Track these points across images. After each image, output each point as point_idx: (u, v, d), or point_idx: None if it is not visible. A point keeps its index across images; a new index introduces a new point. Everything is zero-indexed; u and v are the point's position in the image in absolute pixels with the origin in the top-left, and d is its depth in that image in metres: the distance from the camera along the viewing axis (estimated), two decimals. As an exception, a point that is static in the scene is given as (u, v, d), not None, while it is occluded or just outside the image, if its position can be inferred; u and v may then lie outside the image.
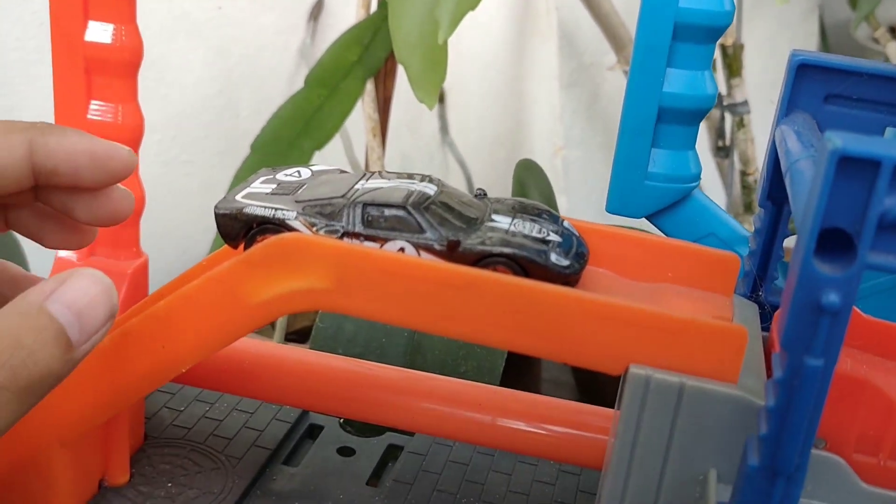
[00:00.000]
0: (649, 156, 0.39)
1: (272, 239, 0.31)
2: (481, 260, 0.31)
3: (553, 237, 0.32)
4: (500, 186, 0.87)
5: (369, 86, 0.67)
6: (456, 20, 0.56)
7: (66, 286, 0.27)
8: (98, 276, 0.28)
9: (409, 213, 0.32)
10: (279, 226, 0.33)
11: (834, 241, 0.25)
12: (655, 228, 0.42)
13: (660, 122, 0.39)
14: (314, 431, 0.44)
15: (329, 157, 0.74)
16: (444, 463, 0.41)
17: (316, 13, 0.78)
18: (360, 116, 0.70)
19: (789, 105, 0.35)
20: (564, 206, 0.80)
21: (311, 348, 0.53)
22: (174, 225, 0.77)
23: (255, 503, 0.38)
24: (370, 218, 0.32)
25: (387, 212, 0.32)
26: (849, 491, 0.28)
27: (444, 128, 0.86)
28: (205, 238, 0.73)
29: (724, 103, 0.73)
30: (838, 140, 0.24)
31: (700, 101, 0.39)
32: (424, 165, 0.88)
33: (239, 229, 0.33)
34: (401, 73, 0.68)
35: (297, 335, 0.68)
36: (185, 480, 0.38)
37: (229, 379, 0.40)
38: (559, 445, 0.39)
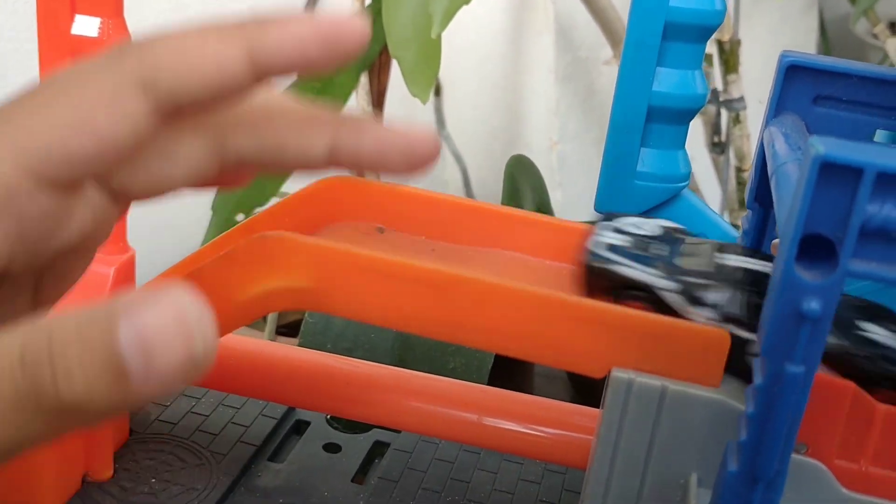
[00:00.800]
0: (639, 155, 0.39)
1: (254, 238, 0.31)
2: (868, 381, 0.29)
3: None
4: (495, 181, 0.86)
5: (363, 79, 0.67)
6: (449, 14, 0.56)
7: (150, 306, 0.20)
8: (183, 310, 0.20)
9: None
10: (651, 294, 0.30)
11: (816, 248, 0.25)
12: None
13: (649, 121, 0.39)
14: (301, 427, 0.44)
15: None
16: (430, 461, 0.41)
17: (312, 5, 0.78)
18: (355, 110, 0.69)
19: (778, 106, 0.35)
20: (559, 201, 0.80)
21: (300, 343, 0.53)
22: (167, 217, 0.77)
23: (239, 499, 0.38)
24: (757, 306, 0.28)
25: None
26: (829, 496, 0.28)
27: (440, 121, 0.86)
28: (198, 230, 0.73)
29: (721, 99, 0.73)
30: (821, 146, 0.24)
31: (690, 101, 0.39)
32: (420, 158, 0.87)
33: (606, 288, 0.31)
34: (395, 66, 0.67)
35: (289, 328, 0.67)
36: (169, 476, 0.38)
37: (215, 375, 0.40)
38: (544, 445, 0.39)
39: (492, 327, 0.29)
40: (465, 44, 0.84)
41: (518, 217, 0.36)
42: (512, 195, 0.60)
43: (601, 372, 0.29)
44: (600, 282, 0.31)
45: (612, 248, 0.31)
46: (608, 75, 0.82)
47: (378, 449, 0.43)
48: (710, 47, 0.72)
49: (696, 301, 0.30)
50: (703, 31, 0.38)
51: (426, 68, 0.58)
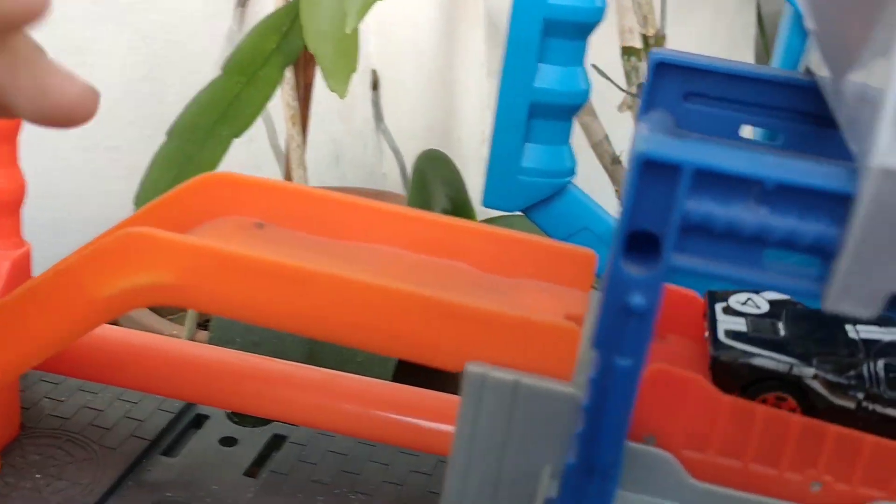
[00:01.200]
0: (523, 151, 0.40)
1: (119, 234, 0.31)
2: None
3: None
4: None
5: (288, 73, 0.67)
6: (363, 10, 0.56)
7: None
8: None
9: None
10: (791, 385, 0.28)
11: (645, 244, 0.25)
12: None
13: (533, 117, 0.39)
14: (200, 421, 0.44)
15: (252, 145, 0.74)
16: (324, 453, 0.42)
17: (242, 4, 0.78)
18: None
19: (649, 102, 0.35)
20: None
21: (210, 336, 0.53)
22: (98, 210, 0.77)
23: (125, 493, 0.38)
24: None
25: None
26: (677, 486, 0.29)
27: (378, 115, 0.86)
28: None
29: (647, 93, 0.74)
30: (643, 143, 0.24)
31: (572, 97, 0.39)
32: (358, 153, 0.88)
33: (735, 383, 0.29)
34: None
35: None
36: (55, 471, 0.38)
37: (111, 369, 0.41)
38: (432, 436, 0.39)
39: (347, 322, 0.30)
40: (402, 38, 0.85)
41: (397, 213, 0.36)
42: (420, 190, 0.60)
43: (457, 366, 0.30)
44: (731, 375, 0.29)
45: (733, 334, 0.29)
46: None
47: (275, 442, 0.43)
48: (638, 42, 0.72)
49: (840, 387, 0.28)
50: (582, 28, 0.38)
51: (344, 63, 0.59)
